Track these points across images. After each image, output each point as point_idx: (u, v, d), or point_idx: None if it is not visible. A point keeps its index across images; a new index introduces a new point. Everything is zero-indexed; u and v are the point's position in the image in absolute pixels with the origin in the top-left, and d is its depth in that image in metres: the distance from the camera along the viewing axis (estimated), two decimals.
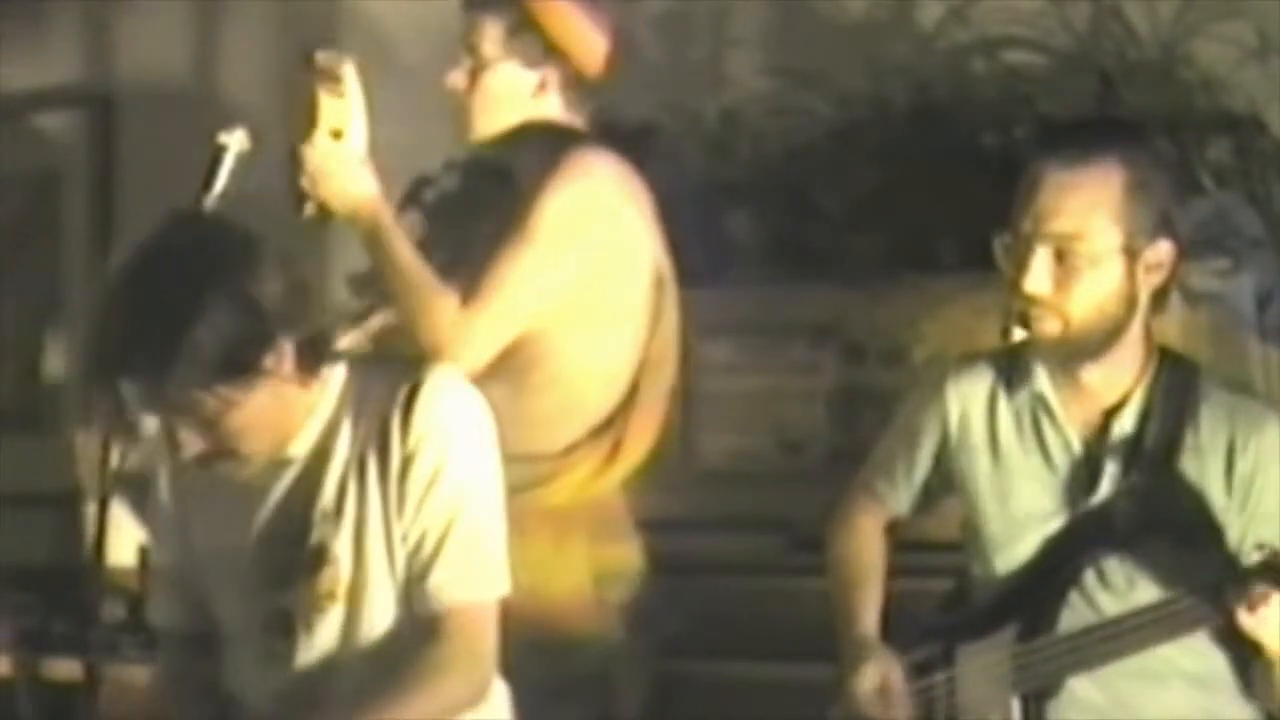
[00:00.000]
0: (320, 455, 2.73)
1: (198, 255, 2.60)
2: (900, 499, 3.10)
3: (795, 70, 4.26)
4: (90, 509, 3.02)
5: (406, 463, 2.68)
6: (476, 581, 2.70)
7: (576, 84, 3.45)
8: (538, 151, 3.38)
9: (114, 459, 2.83)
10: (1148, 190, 2.82)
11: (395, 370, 2.75)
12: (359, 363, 2.80)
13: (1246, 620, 2.70)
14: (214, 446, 2.64)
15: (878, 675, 2.93)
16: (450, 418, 2.70)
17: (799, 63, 4.28)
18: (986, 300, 3.76)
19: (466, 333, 3.26)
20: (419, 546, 2.69)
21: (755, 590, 3.84)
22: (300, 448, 2.73)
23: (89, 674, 3.11)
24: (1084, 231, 2.79)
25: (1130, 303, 2.83)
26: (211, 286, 2.55)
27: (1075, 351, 2.86)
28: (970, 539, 3.01)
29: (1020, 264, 2.82)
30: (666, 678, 3.54)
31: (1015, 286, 2.84)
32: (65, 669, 4.09)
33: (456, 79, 3.46)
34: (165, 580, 2.91)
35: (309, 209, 3.24)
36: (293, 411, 2.70)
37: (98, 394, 2.58)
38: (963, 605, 3.03)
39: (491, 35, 3.43)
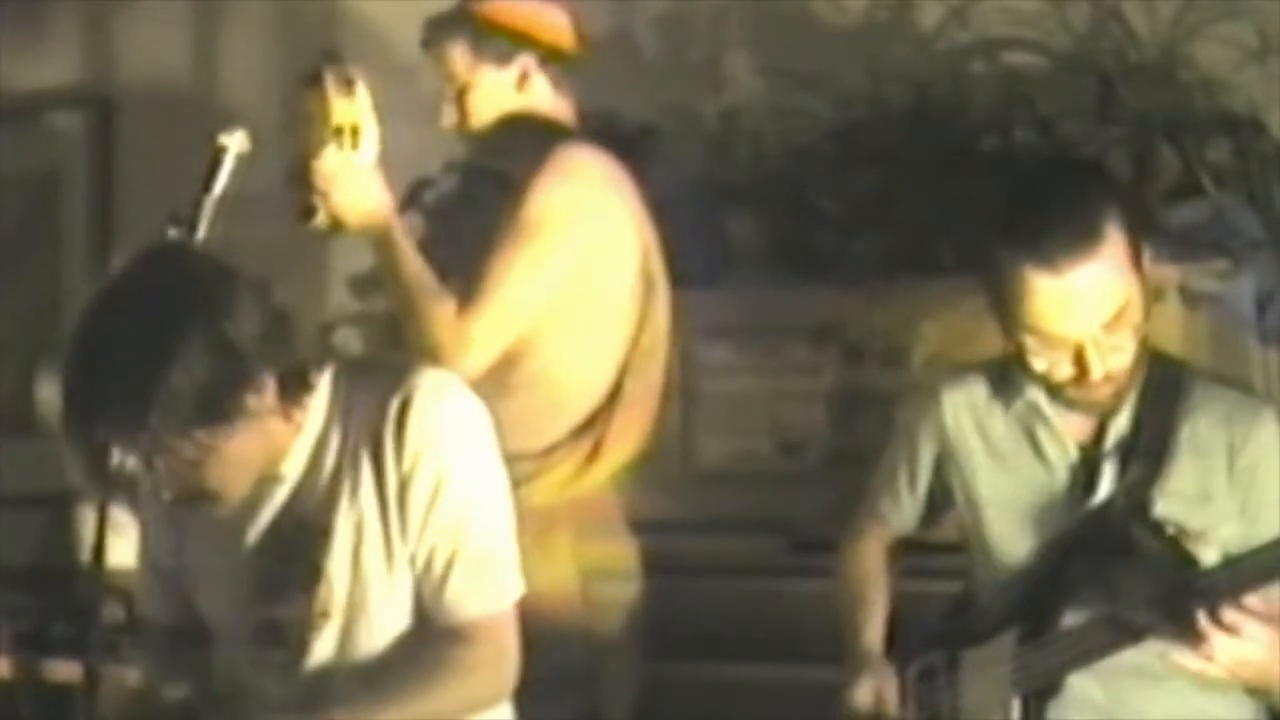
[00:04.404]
0: (312, 471, 2.68)
1: (170, 295, 2.52)
2: (905, 515, 3.11)
3: (795, 71, 4.26)
4: (89, 510, 3.01)
5: (405, 482, 2.63)
6: (492, 592, 2.68)
7: (554, 62, 3.50)
8: (528, 150, 3.40)
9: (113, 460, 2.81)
10: (1130, 221, 2.77)
11: (385, 378, 2.68)
12: (345, 370, 2.74)
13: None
14: (195, 488, 2.58)
15: (871, 689, 2.93)
16: (445, 429, 2.64)
17: (799, 63, 4.28)
18: (986, 302, 3.77)
19: (465, 338, 3.27)
20: (429, 565, 2.65)
21: (754, 591, 3.84)
22: (292, 465, 2.68)
23: (89, 675, 3.10)
24: (1118, 308, 2.75)
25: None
26: (186, 329, 2.47)
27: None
28: (972, 545, 3.02)
29: (1052, 360, 2.78)
30: (665, 678, 3.54)
31: (1041, 375, 2.81)
32: (65, 670, 4.09)
33: (448, 117, 3.52)
34: (153, 574, 2.89)
35: (320, 220, 3.23)
36: (277, 442, 2.64)
37: (73, 439, 2.50)
38: (966, 611, 3.04)
39: (458, 57, 3.50)
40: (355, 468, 2.66)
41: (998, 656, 2.89)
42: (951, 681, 2.95)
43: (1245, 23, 3.99)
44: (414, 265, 3.28)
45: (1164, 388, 2.88)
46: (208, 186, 3.00)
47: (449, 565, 2.65)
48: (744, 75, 4.45)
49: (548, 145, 3.39)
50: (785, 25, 4.44)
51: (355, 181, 3.20)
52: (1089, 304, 2.73)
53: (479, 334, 3.28)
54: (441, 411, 2.65)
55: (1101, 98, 3.93)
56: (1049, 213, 2.73)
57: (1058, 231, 2.71)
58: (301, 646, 2.69)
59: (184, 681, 2.87)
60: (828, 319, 3.98)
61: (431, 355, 3.22)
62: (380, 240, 3.26)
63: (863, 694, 2.93)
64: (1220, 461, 2.86)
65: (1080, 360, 2.76)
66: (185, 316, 2.49)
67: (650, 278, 3.48)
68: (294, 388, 2.62)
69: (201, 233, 2.94)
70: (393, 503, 2.64)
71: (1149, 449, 2.87)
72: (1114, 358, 2.78)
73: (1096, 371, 2.77)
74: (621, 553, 3.45)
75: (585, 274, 3.37)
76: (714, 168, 4.26)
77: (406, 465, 2.63)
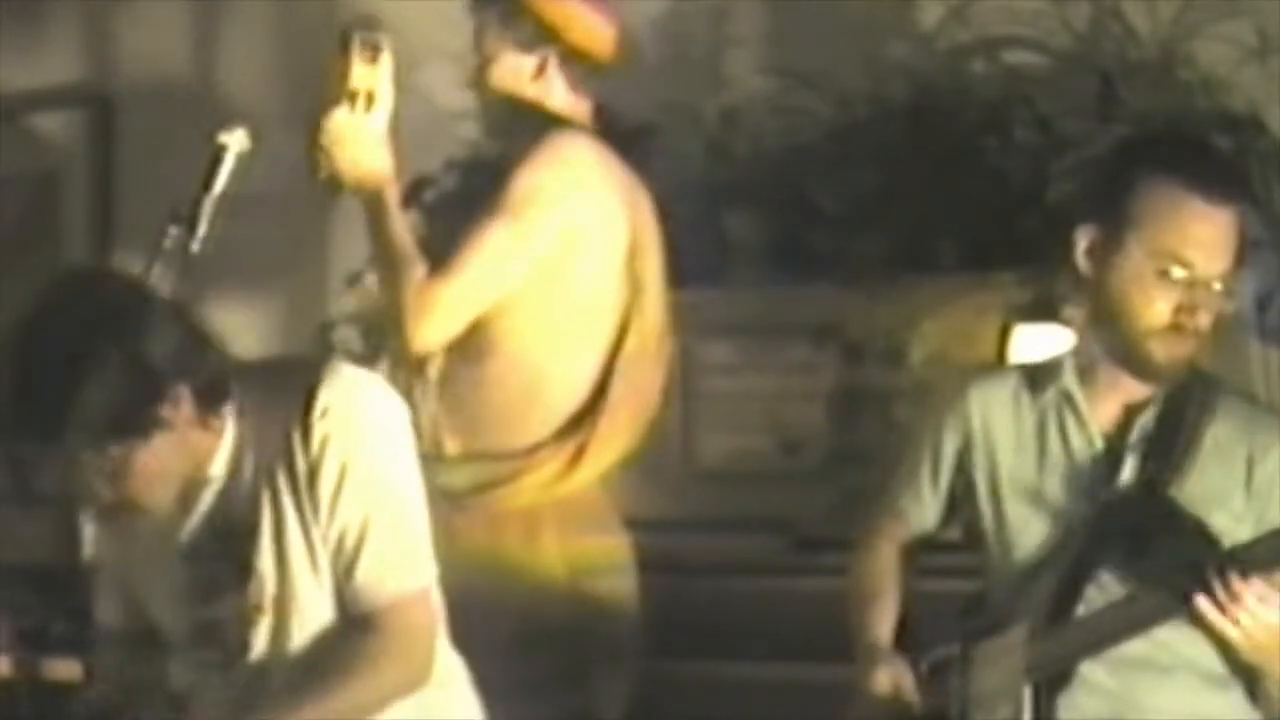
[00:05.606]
0: (236, 472, 2.73)
1: (82, 316, 2.61)
2: (926, 513, 3.11)
3: (795, 70, 4.26)
4: (89, 509, 3.02)
5: (313, 468, 2.67)
6: (402, 574, 2.70)
7: (576, 62, 3.48)
8: (526, 135, 3.41)
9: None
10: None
11: (295, 375, 2.74)
12: (258, 372, 2.80)
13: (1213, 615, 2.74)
14: (119, 499, 2.65)
15: (890, 677, 2.94)
16: (349, 414, 2.68)
17: (799, 63, 4.28)
18: (986, 300, 3.77)
19: (428, 303, 3.30)
20: (339, 548, 2.69)
21: (755, 590, 3.84)
22: (218, 467, 2.73)
23: (89, 674, 3.11)
24: (1231, 266, 2.88)
25: None
26: (97, 350, 2.56)
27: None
28: (988, 540, 3.02)
29: (1161, 301, 2.86)
30: (665, 677, 3.54)
31: (1142, 317, 2.87)
32: (65, 669, 4.09)
33: (469, 81, 3.54)
34: (106, 579, 2.92)
35: (323, 175, 3.30)
36: (199, 449, 2.70)
37: None
38: (980, 608, 3.04)
39: (488, 28, 3.50)
40: (271, 462, 2.71)
41: (1009, 646, 2.89)
42: (963, 672, 2.95)
43: (1245, 22, 3.99)
44: (398, 231, 3.32)
45: (1191, 391, 2.93)
46: (208, 185, 3.00)
47: (358, 547, 2.68)
48: (744, 75, 4.45)
49: (545, 131, 3.40)
50: (785, 24, 4.44)
51: (359, 143, 3.26)
52: (1221, 243, 2.87)
53: (443, 301, 3.31)
54: (348, 400, 2.70)
55: (1101, 97, 3.93)
56: (1213, 151, 3.10)
57: (1220, 166, 2.97)
58: (240, 645, 2.73)
59: (142, 687, 2.89)
60: (828, 319, 3.98)
61: (396, 319, 3.30)
62: (371, 201, 3.31)
63: (882, 681, 2.94)
64: (1239, 470, 2.89)
65: (1189, 301, 2.84)
66: (97, 338, 2.57)
67: (637, 280, 3.46)
68: (211, 399, 2.68)
69: (201, 231, 2.94)
70: (304, 491, 2.69)
71: (1171, 447, 2.90)
72: (1208, 317, 2.87)
73: (1201, 316, 2.85)
74: (613, 546, 3.43)
75: (563, 259, 3.36)
76: (714, 166, 4.26)
77: (314, 451, 2.67)
